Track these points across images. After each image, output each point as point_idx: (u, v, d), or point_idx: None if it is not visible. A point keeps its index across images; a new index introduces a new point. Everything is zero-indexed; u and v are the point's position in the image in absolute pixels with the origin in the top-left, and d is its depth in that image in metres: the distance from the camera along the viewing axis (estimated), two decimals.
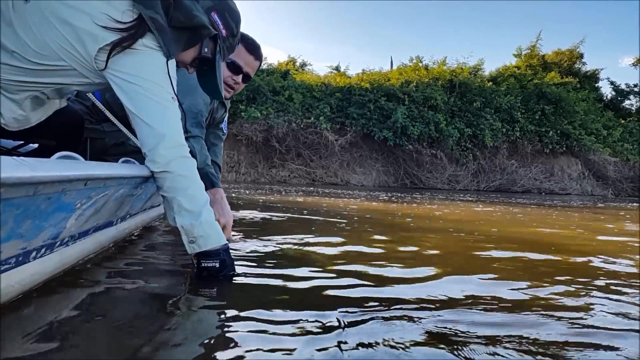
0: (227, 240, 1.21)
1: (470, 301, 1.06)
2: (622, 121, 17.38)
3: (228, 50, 1.28)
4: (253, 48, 1.83)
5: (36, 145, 1.44)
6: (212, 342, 0.75)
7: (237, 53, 1.75)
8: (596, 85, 18.70)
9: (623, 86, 19.22)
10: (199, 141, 1.71)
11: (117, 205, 1.21)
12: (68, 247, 1.02)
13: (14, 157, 0.60)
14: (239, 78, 1.85)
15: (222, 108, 2.04)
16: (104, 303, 0.93)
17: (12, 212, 0.66)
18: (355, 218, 3.13)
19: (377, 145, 12.87)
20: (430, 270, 1.39)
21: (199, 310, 0.92)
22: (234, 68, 1.81)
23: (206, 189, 1.39)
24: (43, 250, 0.87)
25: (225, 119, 2.14)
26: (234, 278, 1.16)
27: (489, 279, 1.33)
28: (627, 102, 19.20)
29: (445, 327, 0.87)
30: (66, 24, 0.97)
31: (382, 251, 1.75)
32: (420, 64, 14.79)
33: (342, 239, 2.01)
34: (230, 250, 1.23)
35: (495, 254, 1.81)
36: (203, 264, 1.12)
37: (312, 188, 9.04)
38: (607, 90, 19.60)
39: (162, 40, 1.05)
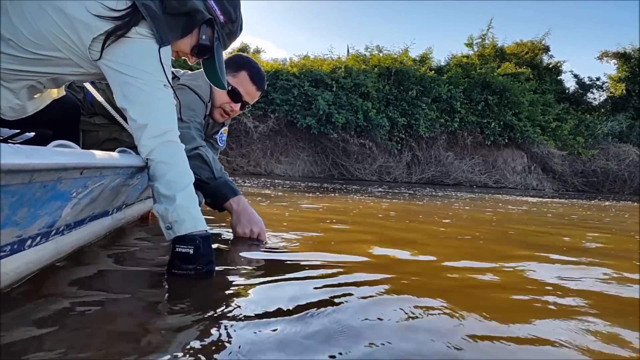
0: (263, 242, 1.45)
1: None
2: (588, 116, 16.67)
3: (228, 37, 1.26)
4: (258, 78, 1.78)
5: (32, 134, 1.42)
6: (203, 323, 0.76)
7: (240, 80, 1.75)
8: (558, 77, 17.99)
9: (586, 79, 18.54)
10: (209, 151, 1.66)
11: (113, 195, 1.20)
12: (64, 236, 1.00)
13: (10, 144, 0.58)
14: (237, 107, 1.80)
15: (218, 124, 1.96)
16: (98, 289, 0.93)
17: (8, 199, 0.64)
18: None
19: (302, 133, 12.21)
20: None
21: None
22: (234, 95, 1.76)
23: (227, 198, 1.55)
24: (38, 238, 0.85)
25: (221, 132, 2.05)
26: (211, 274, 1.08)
27: None
28: (590, 95, 18.50)
29: None
30: (61, 13, 0.96)
31: None
32: (380, 54, 14.08)
33: None
34: None
35: None
36: (177, 249, 1.06)
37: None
38: (571, 84, 18.90)
39: (154, 26, 1.04)
